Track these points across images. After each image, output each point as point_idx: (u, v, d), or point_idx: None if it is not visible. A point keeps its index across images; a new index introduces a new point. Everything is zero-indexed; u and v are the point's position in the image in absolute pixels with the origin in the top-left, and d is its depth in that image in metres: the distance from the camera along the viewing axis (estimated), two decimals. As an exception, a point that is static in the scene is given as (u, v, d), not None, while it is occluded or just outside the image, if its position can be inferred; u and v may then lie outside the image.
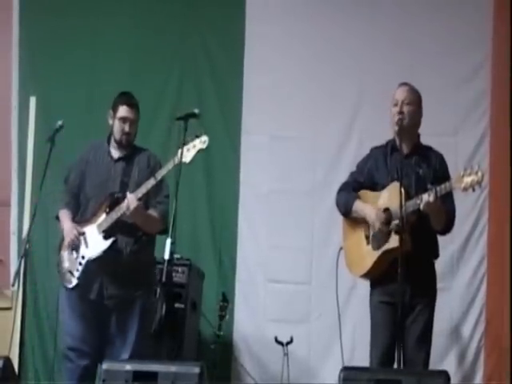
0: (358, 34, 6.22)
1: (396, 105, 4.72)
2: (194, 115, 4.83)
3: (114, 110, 5.08)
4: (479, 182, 4.38)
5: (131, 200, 4.86)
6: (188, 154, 4.77)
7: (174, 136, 4.87)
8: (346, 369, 4.06)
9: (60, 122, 5.03)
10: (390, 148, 4.81)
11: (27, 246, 4.93)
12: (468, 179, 4.39)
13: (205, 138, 4.77)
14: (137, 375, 4.02)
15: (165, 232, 5.03)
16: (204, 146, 4.78)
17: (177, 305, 5.56)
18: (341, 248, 4.91)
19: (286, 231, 6.21)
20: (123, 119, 5.06)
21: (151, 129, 6.20)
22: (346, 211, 4.85)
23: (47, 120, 6.02)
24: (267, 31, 6.34)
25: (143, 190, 4.89)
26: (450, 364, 5.69)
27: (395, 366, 4.41)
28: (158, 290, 4.75)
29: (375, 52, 6.18)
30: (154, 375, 4.01)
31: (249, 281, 6.24)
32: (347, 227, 4.89)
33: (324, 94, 6.23)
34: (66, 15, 6.48)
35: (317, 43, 6.28)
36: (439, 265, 4.84)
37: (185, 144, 4.77)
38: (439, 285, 4.81)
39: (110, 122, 5.11)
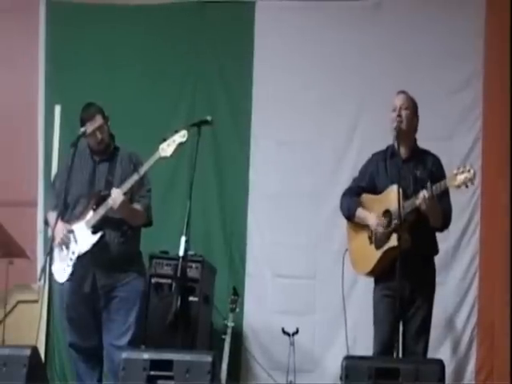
0: (358, 48, 6.22)
1: (394, 110, 4.72)
2: (206, 122, 4.84)
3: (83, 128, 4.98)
4: (472, 179, 4.38)
5: (117, 195, 4.78)
6: (168, 148, 4.75)
7: (188, 141, 4.81)
8: (347, 358, 4.04)
9: (82, 129, 4.98)
10: (389, 153, 4.80)
11: (52, 244, 4.92)
12: (461, 177, 4.39)
13: (184, 133, 4.74)
14: (154, 363, 3.99)
15: (148, 224, 5.05)
16: (183, 140, 4.74)
17: (191, 298, 5.49)
18: (346, 250, 4.90)
19: (291, 229, 6.21)
20: (92, 133, 4.97)
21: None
22: (348, 216, 4.85)
23: (71, 127, 5.96)
24: (274, 45, 6.36)
25: (128, 185, 4.82)
26: (444, 353, 5.69)
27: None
28: (174, 285, 4.73)
29: (374, 64, 6.17)
30: (169, 363, 3.98)
31: (257, 275, 6.24)
32: (351, 230, 4.88)
33: (327, 103, 6.23)
34: (88, 30, 6.50)
35: (320, 56, 6.28)
36: (435, 260, 4.80)
37: (165, 139, 4.76)
38: (435, 279, 4.81)
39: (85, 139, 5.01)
